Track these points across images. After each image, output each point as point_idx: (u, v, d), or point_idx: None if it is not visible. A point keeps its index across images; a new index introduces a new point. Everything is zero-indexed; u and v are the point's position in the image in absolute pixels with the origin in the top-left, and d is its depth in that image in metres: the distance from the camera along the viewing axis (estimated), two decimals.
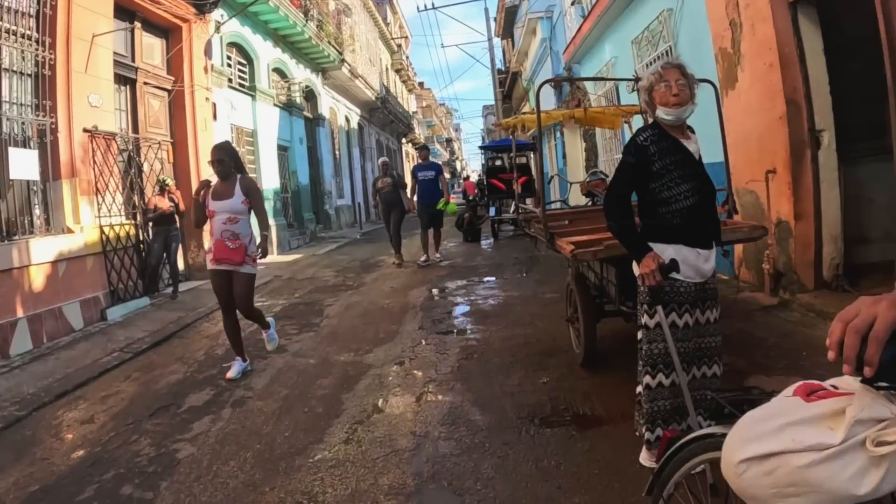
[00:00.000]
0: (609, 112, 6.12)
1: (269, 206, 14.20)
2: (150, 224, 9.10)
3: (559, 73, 17.11)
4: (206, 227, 5.14)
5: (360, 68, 23.95)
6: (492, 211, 13.00)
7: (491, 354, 4.82)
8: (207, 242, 5.65)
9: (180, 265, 10.70)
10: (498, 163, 14.66)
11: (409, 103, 49.66)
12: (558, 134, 18.33)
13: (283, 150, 16.00)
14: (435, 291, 7.91)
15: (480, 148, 15.74)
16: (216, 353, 5.87)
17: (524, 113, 7.26)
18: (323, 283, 9.47)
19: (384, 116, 31.11)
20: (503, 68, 31.73)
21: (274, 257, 13.67)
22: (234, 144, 13.40)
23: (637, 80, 3.88)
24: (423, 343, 5.34)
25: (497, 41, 31.73)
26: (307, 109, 19.11)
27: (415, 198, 10.90)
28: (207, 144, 11.74)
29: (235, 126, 13.14)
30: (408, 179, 14.40)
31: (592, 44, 11.93)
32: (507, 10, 26.59)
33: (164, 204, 9.04)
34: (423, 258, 10.34)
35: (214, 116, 12.00)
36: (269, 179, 14.43)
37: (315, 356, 5.33)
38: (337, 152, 22.24)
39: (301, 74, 17.73)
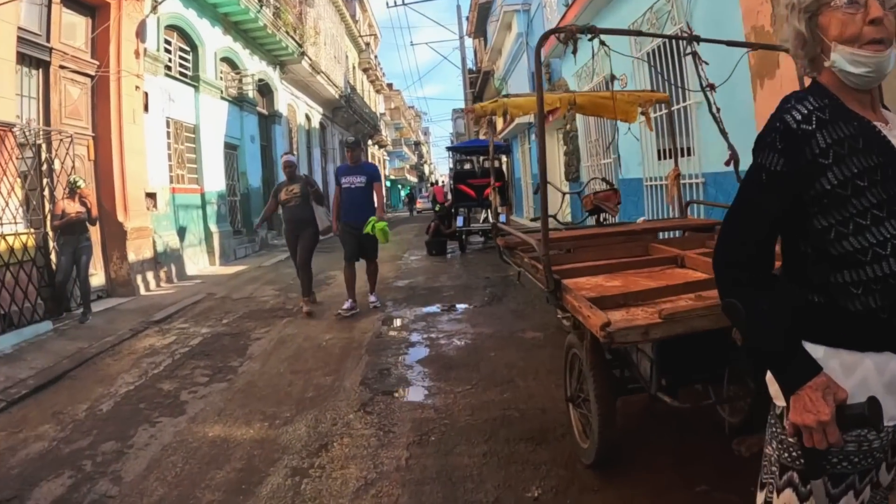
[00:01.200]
0: (623, 98, 4.80)
1: (211, 210, 12.71)
2: (58, 233, 7.60)
3: (534, 71, 15.92)
4: None
5: (323, 64, 22.47)
6: (459, 220, 11.70)
7: (455, 438, 3.45)
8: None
9: (97, 280, 9.22)
10: (467, 166, 13.41)
11: (377, 104, 48.23)
12: (532, 137, 17.14)
13: (231, 148, 14.47)
14: (386, 323, 6.55)
15: (448, 150, 14.34)
16: (101, 409, 4.44)
17: (507, 96, 5.62)
18: (259, 306, 8.04)
19: (349, 116, 29.63)
20: (474, 68, 30.56)
21: (215, 269, 12.17)
22: (169, 140, 11.91)
23: (693, 37, 2.61)
24: (363, 412, 3.96)
25: (469, 42, 30.53)
26: (262, 105, 17.58)
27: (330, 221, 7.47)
28: (136, 139, 10.25)
29: (173, 120, 11.60)
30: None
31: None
32: (479, 6, 25.41)
33: (73, 209, 7.54)
34: (346, 305, 7.02)
35: (146, 108, 10.47)
36: (212, 181, 12.89)
37: (217, 426, 3.93)
38: (295, 152, 20.71)
39: (255, 66, 16.21)
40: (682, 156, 7.39)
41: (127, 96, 9.88)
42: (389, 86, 60.08)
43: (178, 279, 10.67)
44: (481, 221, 12.49)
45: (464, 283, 8.61)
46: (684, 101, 6.96)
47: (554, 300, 2.73)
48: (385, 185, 53.67)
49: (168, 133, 11.40)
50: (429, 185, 77.94)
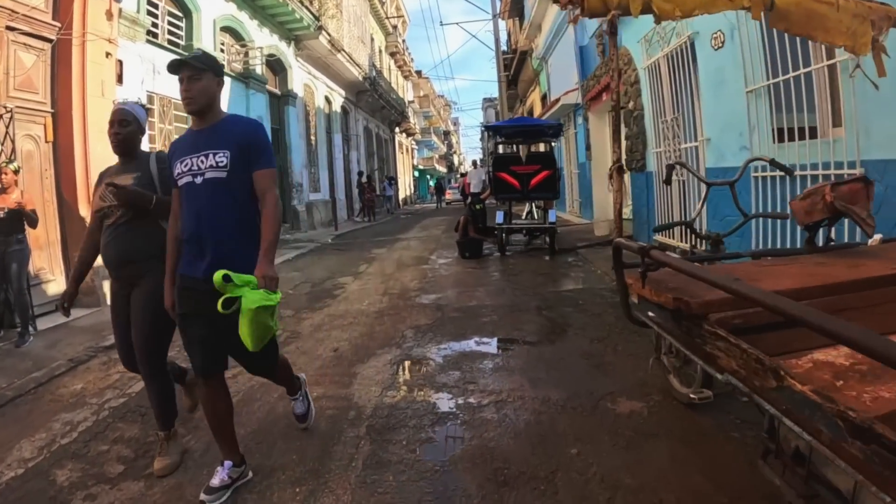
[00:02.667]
0: (849, 8, 2.71)
1: None
2: None
3: (583, 44, 13.78)
4: None
5: (345, 42, 20.53)
6: (499, 216, 9.65)
7: None
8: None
9: (56, 288, 7.47)
10: (509, 151, 11.31)
11: (406, 91, 46.26)
12: (579, 120, 14.97)
13: None
14: (403, 371, 4.55)
15: (486, 129, 11.93)
16: None
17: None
18: None
19: (374, 101, 27.69)
20: (507, 49, 28.32)
21: None
22: (152, 119, 10.05)
23: None
24: None
25: (501, 24, 28.27)
26: (273, 84, 15.71)
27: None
28: (103, 116, 8.44)
29: (158, 95, 9.75)
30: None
31: None
32: None
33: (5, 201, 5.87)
34: (215, 479, 2.77)
35: (119, 79, 8.63)
36: None
37: None
38: (312, 138, 18.85)
39: (264, 40, 14.31)
40: (812, 137, 5.27)
41: (94, 64, 8.05)
42: (418, 73, 58.07)
43: None
44: (524, 217, 10.45)
45: (509, 302, 6.58)
46: (828, 59, 4.84)
47: None
48: (413, 175, 51.84)
49: (152, 111, 9.55)
50: (458, 175, 75.92)
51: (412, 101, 49.88)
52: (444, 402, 3.77)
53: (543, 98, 22.24)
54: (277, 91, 15.98)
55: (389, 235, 15.68)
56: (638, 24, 8.84)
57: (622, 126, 10.93)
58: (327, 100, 21.17)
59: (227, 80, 12.23)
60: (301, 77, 17.63)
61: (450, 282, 7.99)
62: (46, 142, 7.62)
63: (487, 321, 5.78)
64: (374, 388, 4.09)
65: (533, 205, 10.57)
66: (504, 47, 27.99)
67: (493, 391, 3.89)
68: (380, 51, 34.39)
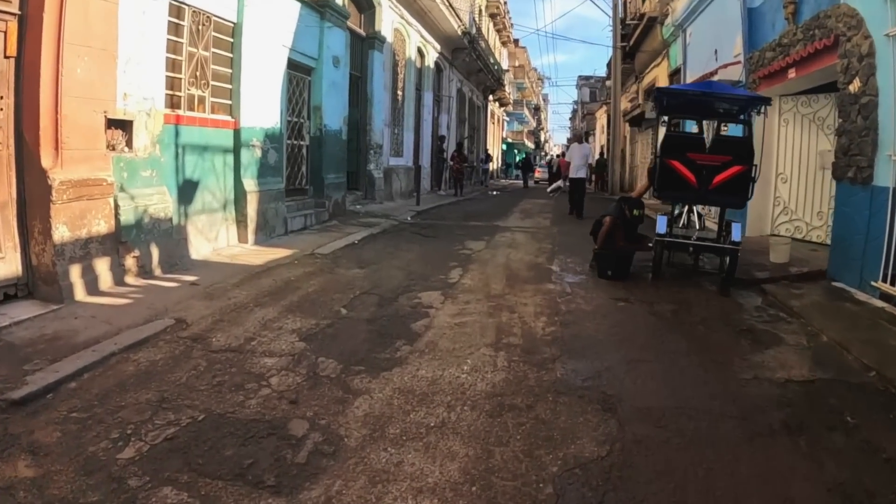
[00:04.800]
0: None
1: (249, 157, 8.25)
2: None
3: (753, 6, 10.25)
4: None
5: None
6: (661, 224, 6.49)
7: None
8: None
9: (6, 269, 5.02)
10: (681, 131, 7.88)
11: (502, 58, 42.81)
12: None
13: (299, 69, 9.85)
14: None
15: (659, 93, 7.30)
16: None
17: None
18: (240, 384, 3.39)
19: (471, 61, 24.56)
20: (624, 17, 24.45)
21: (245, 249, 7.76)
22: (178, 38, 7.12)
23: None
24: None
25: None
26: (358, 22, 12.89)
27: None
28: (95, 24, 5.76)
29: (190, 7, 7.03)
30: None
31: None
32: None
33: None
34: None
35: None
36: (257, 112, 8.31)
37: None
38: (399, 93, 15.99)
39: None
40: None
41: None
42: (516, 42, 54.38)
43: (167, 269, 6.24)
44: (698, 228, 7.17)
45: (727, 405, 3.47)
46: None
47: None
48: (501, 148, 48.58)
49: (175, 26, 6.86)
50: (544, 154, 71.67)
51: (506, 70, 46.32)
52: None
53: (673, 74, 18.50)
54: (361, 31, 13.14)
55: (484, 220, 12.60)
56: None
57: (836, 118, 7.46)
58: (420, 52, 18.24)
59: (294, 2, 9.54)
60: (391, 19, 14.73)
61: (603, 329, 4.91)
62: (6, 57, 5.03)
63: (715, 466, 2.74)
64: None
65: (696, 210, 7.29)
66: (621, 15, 24.20)
67: None
68: (480, 11, 31.15)
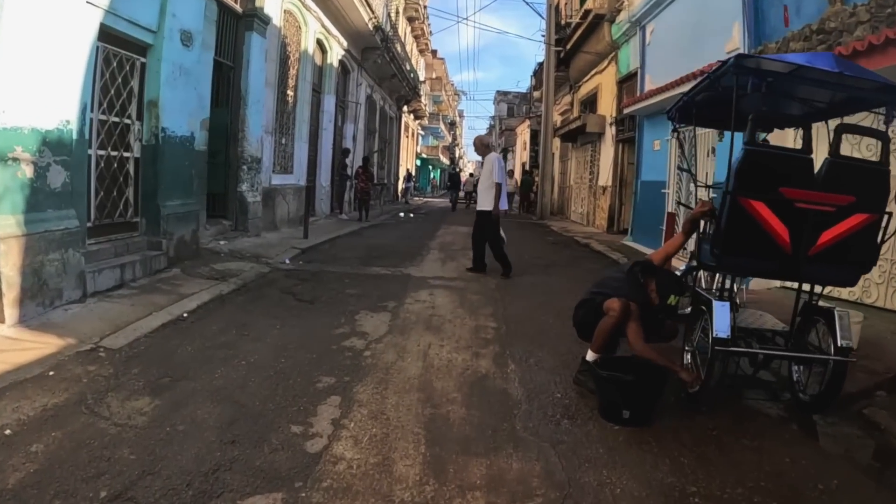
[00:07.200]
0: None
1: (10, 179, 4.74)
2: None
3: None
4: None
5: None
6: (720, 316, 3.35)
7: None
8: None
9: None
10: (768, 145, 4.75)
11: (419, 67, 40.07)
12: None
13: (123, 45, 6.43)
14: None
15: (737, 70, 3.57)
16: None
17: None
18: None
19: (384, 64, 21.54)
20: (559, 18, 22.08)
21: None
22: None
23: None
24: None
25: None
26: None
27: None
28: None
29: None
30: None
31: None
32: None
33: None
34: None
35: None
36: (30, 103, 4.86)
37: None
38: (290, 92, 12.69)
39: None
40: None
41: None
42: (434, 52, 51.87)
43: None
44: (739, 304, 4.26)
45: None
46: None
47: None
48: (416, 164, 45.71)
49: None
50: (458, 170, 69.49)
51: (423, 82, 43.61)
52: None
53: (623, 81, 16.16)
54: (237, 6, 9.83)
55: (392, 262, 9.37)
56: None
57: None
58: (321, 45, 15.01)
59: None
60: None
61: None
62: None
63: None
64: None
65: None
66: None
67: None
68: (397, 11, 28.21)
